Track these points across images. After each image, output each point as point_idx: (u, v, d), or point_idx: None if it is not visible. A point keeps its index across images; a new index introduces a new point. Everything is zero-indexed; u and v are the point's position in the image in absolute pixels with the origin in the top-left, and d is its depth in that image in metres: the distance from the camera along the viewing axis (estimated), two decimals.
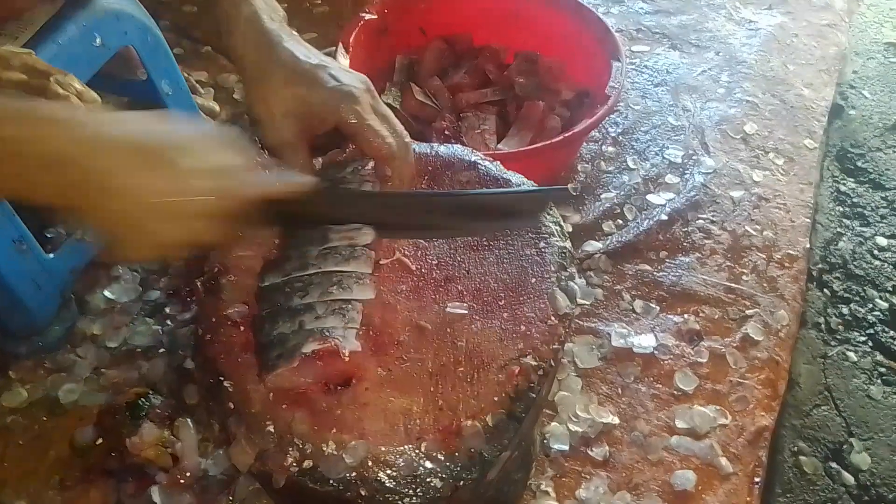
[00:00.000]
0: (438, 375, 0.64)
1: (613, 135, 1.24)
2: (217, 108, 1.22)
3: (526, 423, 0.63)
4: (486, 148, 1.10)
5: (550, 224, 0.73)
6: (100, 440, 0.84)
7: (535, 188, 0.76)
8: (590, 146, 1.22)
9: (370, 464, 0.59)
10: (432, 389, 0.63)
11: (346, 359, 0.61)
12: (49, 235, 0.99)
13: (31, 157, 0.51)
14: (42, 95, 0.75)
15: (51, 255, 0.89)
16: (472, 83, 1.23)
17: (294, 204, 0.63)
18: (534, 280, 0.69)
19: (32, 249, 0.86)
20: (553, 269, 0.70)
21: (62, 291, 0.93)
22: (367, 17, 1.17)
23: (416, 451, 0.60)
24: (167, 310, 0.97)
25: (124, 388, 0.88)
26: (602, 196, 1.15)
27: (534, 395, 0.62)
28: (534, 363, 0.63)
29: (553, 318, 0.66)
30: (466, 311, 0.68)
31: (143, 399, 0.85)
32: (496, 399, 0.62)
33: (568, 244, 0.72)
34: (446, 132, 1.14)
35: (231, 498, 0.80)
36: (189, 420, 0.84)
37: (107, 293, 0.98)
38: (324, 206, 0.68)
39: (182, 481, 0.81)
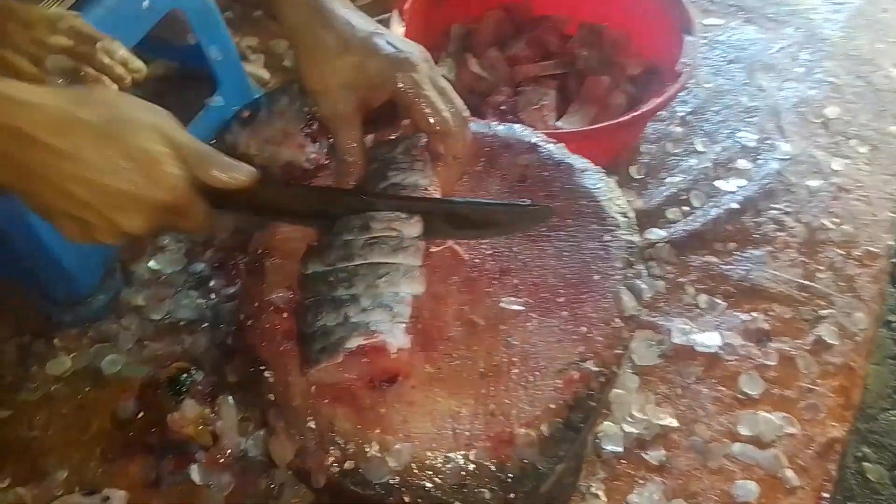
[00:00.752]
0: (490, 376, 0.59)
1: (681, 114, 1.16)
2: (267, 75, 1.19)
3: (584, 433, 0.58)
4: (544, 125, 1.04)
5: (616, 214, 0.68)
6: (141, 414, 0.84)
7: (519, 204, 0.69)
8: (655, 125, 1.14)
9: (415, 469, 0.55)
10: (483, 391, 0.58)
11: (394, 356, 0.58)
12: None
13: None
14: (87, 62, 0.73)
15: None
16: (532, 55, 1.16)
17: (237, 194, 0.61)
18: (597, 277, 0.64)
19: None
20: (619, 265, 0.64)
21: (107, 260, 0.92)
22: None
23: (465, 458, 0.56)
24: (212, 283, 0.95)
25: (166, 362, 0.87)
26: (667, 180, 1.08)
27: (594, 404, 0.58)
28: (595, 369, 0.59)
29: (617, 319, 0.61)
30: (522, 308, 0.63)
31: (184, 374, 0.85)
32: (553, 406, 0.57)
33: (636, 238, 0.66)
34: (502, 107, 1.09)
35: (271, 482, 0.78)
36: (230, 398, 0.82)
37: (152, 264, 0.97)
38: (267, 198, 0.65)
39: (221, 461, 0.80)
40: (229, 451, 0.80)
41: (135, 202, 0.55)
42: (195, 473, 0.79)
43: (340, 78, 0.68)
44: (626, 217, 0.68)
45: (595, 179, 0.71)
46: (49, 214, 0.56)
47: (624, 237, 0.66)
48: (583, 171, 0.71)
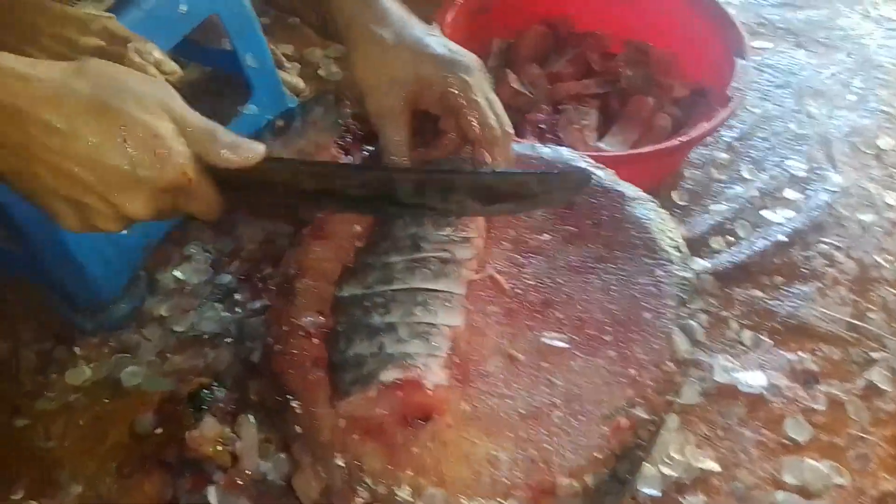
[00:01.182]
0: (531, 418, 0.56)
1: (728, 139, 1.12)
2: (302, 84, 1.17)
3: (630, 485, 0.54)
4: (584, 146, 1.01)
5: (669, 248, 0.64)
6: (159, 429, 0.81)
7: (552, 173, 0.67)
8: (700, 150, 1.10)
9: None
10: (523, 435, 0.55)
11: (430, 392, 0.54)
12: None
13: None
14: (119, 63, 0.70)
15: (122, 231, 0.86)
16: (574, 73, 1.13)
17: (245, 173, 0.56)
18: (648, 315, 0.60)
19: None
20: (672, 303, 0.60)
21: (131, 267, 0.90)
22: None
23: None
24: (237, 296, 0.92)
25: (188, 377, 0.85)
26: (711, 208, 1.04)
27: (641, 455, 0.54)
28: (644, 416, 0.55)
29: (669, 362, 0.57)
30: (566, 344, 0.59)
31: (206, 390, 0.82)
32: (598, 456, 0.53)
33: (690, 275, 0.62)
34: (541, 125, 1.05)
35: None
36: (252, 417, 0.79)
37: (177, 273, 0.95)
38: (277, 176, 0.60)
39: (240, 483, 0.77)
40: (248, 473, 0.77)
41: (136, 182, 0.50)
42: (212, 495, 0.76)
43: (392, 73, 0.67)
44: (679, 251, 0.64)
45: (647, 209, 0.67)
46: (45, 199, 0.51)
47: (678, 273, 0.62)
48: (634, 200, 0.67)
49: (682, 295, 0.61)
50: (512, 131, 0.69)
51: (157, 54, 0.75)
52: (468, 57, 0.68)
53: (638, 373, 0.57)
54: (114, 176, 0.50)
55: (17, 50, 0.67)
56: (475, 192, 0.63)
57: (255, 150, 0.56)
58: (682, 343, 0.58)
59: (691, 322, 0.59)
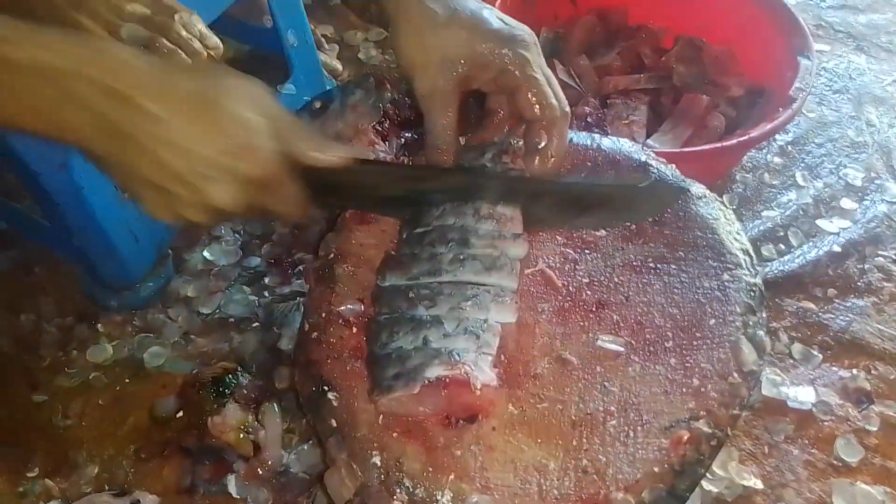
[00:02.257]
0: (583, 426, 0.52)
1: (781, 143, 1.08)
2: (340, 67, 1.14)
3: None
4: (632, 142, 0.96)
5: (738, 251, 0.59)
6: (180, 413, 0.79)
7: (648, 184, 0.64)
8: (752, 153, 1.06)
9: None
10: (575, 443, 0.51)
11: (477, 392, 0.50)
12: None
13: (92, 94, 0.48)
14: (163, 34, 0.68)
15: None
16: (624, 66, 1.09)
17: (332, 174, 0.55)
18: (713, 322, 0.55)
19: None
20: (739, 310, 0.56)
21: (159, 246, 0.89)
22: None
23: None
24: (266, 280, 0.90)
25: (212, 360, 0.83)
26: (763, 213, 1.00)
27: (702, 471, 0.50)
28: (707, 430, 0.50)
29: (736, 374, 0.53)
30: (623, 349, 0.55)
31: (230, 375, 0.80)
32: (656, 470, 0.49)
33: (759, 281, 0.58)
34: (588, 119, 1.01)
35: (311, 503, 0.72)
36: (276, 406, 0.78)
37: (206, 254, 0.93)
38: (363, 179, 0.59)
39: (261, 473, 0.75)
40: (270, 463, 0.75)
41: (227, 173, 0.51)
42: (232, 485, 0.74)
43: (444, 51, 0.62)
44: (748, 255, 0.59)
45: (713, 208, 0.63)
46: (135, 185, 0.52)
47: (745, 278, 0.58)
48: (700, 198, 0.63)
49: (750, 302, 0.56)
50: (568, 110, 0.65)
51: (202, 28, 0.72)
52: (525, 31, 0.64)
53: (701, 383, 0.53)
54: (205, 166, 0.50)
55: (64, 15, 0.65)
56: (563, 201, 0.61)
57: (343, 150, 0.57)
58: (749, 354, 0.54)
59: (760, 332, 0.55)
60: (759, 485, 0.75)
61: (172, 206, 0.52)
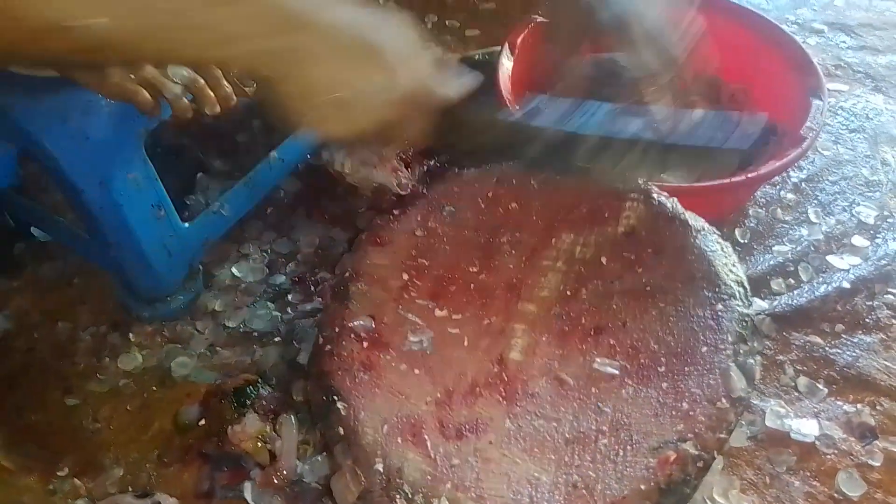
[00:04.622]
0: (576, 443, 0.54)
1: (795, 180, 1.10)
2: None
3: None
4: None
5: (732, 283, 0.62)
6: (202, 421, 0.82)
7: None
8: (766, 189, 1.08)
9: None
10: (567, 459, 0.54)
11: None
12: (188, 203, 0.99)
13: (271, 17, 0.52)
14: (203, 74, 0.71)
15: (186, 225, 0.88)
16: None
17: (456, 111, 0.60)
18: (705, 349, 0.58)
19: (169, 216, 0.85)
20: (730, 339, 0.59)
21: (191, 261, 0.92)
22: (539, 19, 1.08)
23: None
24: (290, 297, 0.94)
25: (235, 372, 0.86)
26: (774, 248, 1.01)
27: (688, 491, 0.52)
28: (693, 451, 0.53)
29: (724, 399, 0.55)
30: (618, 371, 0.58)
31: (251, 387, 0.83)
32: (643, 487, 0.52)
33: (751, 311, 0.60)
34: None
35: None
36: (293, 418, 0.80)
37: (234, 270, 0.97)
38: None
39: (276, 481, 0.78)
40: (285, 472, 0.77)
41: (379, 91, 0.56)
42: (248, 491, 0.76)
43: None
44: (742, 287, 0.62)
45: (711, 241, 0.65)
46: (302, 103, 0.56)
47: (738, 309, 0.60)
48: (699, 231, 0.66)
49: (741, 331, 0.59)
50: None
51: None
52: None
53: (690, 407, 0.55)
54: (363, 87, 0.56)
55: None
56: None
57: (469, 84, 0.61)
58: (738, 381, 0.56)
59: (750, 361, 0.57)
60: None
61: (324, 120, 0.56)
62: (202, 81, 0.69)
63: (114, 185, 0.77)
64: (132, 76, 0.67)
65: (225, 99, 0.71)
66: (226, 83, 0.70)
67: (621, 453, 0.54)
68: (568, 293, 0.63)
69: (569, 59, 0.75)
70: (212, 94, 0.70)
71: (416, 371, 0.59)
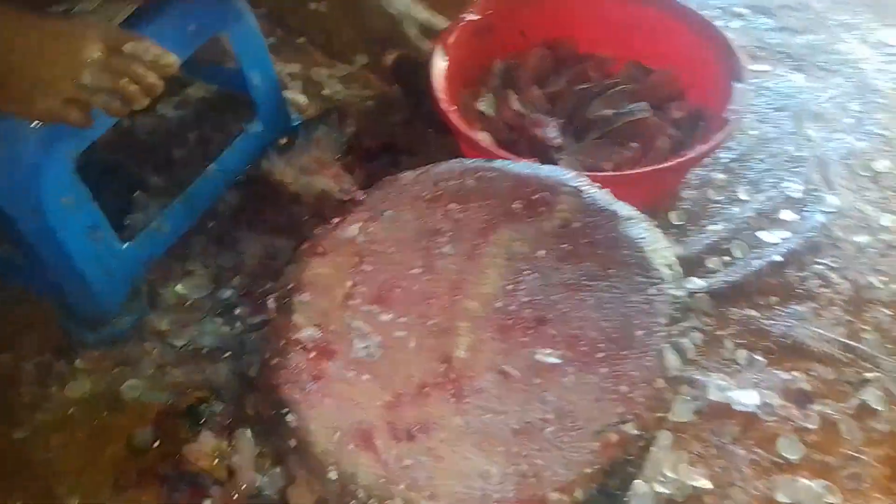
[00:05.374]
0: (523, 434, 0.56)
1: (725, 161, 1.13)
2: (305, 102, 1.18)
3: (619, 500, 0.55)
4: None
5: (662, 267, 0.64)
6: (157, 443, 0.82)
7: None
8: (698, 171, 1.11)
9: None
10: (515, 450, 0.55)
11: None
12: (127, 223, 0.98)
13: None
14: (123, 74, 0.70)
15: (125, 245, 0.87)
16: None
17: None
18: (640, 333, 0.60)
19: (107, 237, 0.85)
20: (663, 321, 0.61)
21: (133, 282, 0.92)
22: (470, 17, 1.10)
23: None
24: (237, 311, 0.93)
25: (187, 390, 0.86)
26: (707, 228, 1.04)
27: (632, 470, 0.54)
28: (634, 432, 0.55)
29: (661, 379, 0.58)
30: (559, 361, 0.60)
31: (204, 404, 0.83)
32: (588, 471, 0.54)
33: (682, 293, 0.63)
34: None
35: None
36: (248, 432, 0.80)
37: (179, 288, 0.96)
38: None
39: (235, 497, 0.78)
40: (244, 487, 0.77)
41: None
42: None
43: None
44: (671, 270, 0.65)
45: (641, 229, 0.68)
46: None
47: (669, 291, 0.63)
48: (628, 220, 0.68)
49: (673, 313, 0.62)
50: None
51: (154, 49, 0.71)
52: None
53: (629, 389, 0.58)
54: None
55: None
56: None
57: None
58: (673, 361, 0.59)
59: (683, 340, 0.60)
60: (707, 485, 0.79)
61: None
62: (124, 79, 0.68)
63: (47, 210, 0.76)
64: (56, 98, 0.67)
65: (150, 88, 0.70)
66: (146, 73, 0.69)
67: (566, 439, 0.56)
68: (508, 288, 0.65)
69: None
70: (135, 87, 0.69)
71: (365, 377, 0.60)
